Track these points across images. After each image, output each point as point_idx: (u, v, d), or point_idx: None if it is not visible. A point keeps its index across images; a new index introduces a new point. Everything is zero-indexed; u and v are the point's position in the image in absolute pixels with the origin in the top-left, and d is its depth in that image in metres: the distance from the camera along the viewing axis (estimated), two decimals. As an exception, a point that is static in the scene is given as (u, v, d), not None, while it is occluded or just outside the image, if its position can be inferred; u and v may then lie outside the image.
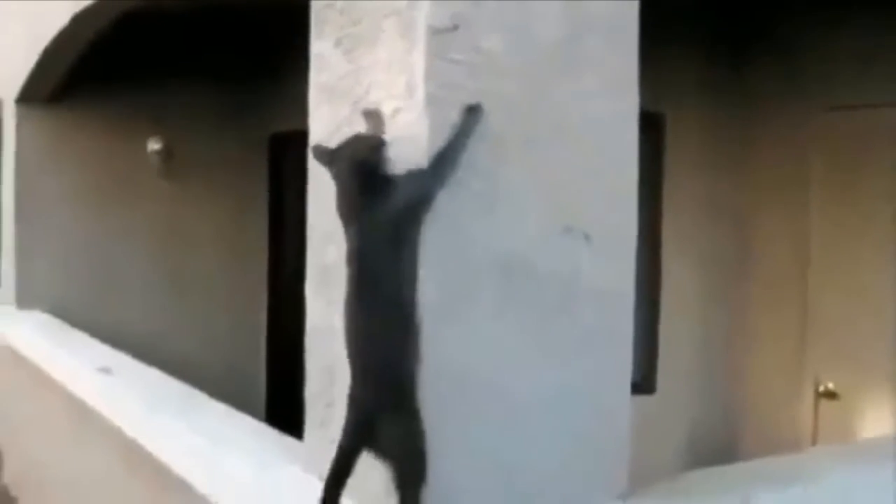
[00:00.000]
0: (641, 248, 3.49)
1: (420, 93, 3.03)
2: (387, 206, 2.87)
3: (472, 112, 3.03)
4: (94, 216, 7.80)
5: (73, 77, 7.27)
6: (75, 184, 7.70)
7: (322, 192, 3.50)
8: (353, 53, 3.33)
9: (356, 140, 3.05)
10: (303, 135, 3.62)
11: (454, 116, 3.06)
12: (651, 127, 5.42)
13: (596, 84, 3.34)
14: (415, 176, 2.94)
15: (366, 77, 3.28)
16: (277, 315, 8.38)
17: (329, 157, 3.07)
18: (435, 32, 3.11)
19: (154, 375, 5.53)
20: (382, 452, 2.90)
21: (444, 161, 2.96)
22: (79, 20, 6.09)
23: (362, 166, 2.93)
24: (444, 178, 2.96)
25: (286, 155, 7.83)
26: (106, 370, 5.54)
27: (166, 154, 7.81)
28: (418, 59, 3.06)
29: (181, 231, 8.09)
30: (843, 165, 5.97)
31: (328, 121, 3.47)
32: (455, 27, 3.12)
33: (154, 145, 7.77)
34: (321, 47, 3.50)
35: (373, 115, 3.11)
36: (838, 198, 6.01)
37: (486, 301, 3.14)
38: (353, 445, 2.93)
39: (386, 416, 2.85)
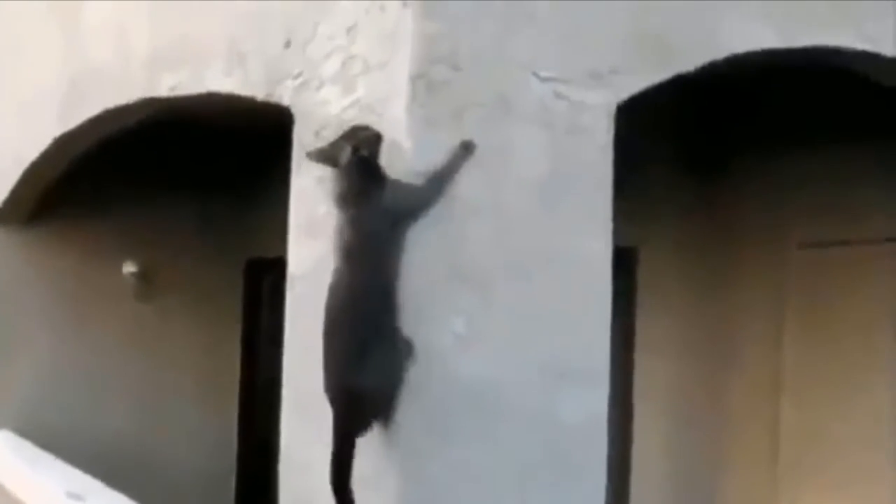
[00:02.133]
0: (614, 382, 3.54)
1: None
2: (381, 198, 3.09)
3: (466, 147, 3.18)
4: (69, 336, 7.77)
5: (51, 198, 7.31)
6: (51, 304, 7.69)
7: (299, 322, 3.56)
8: (334, 192, 3.39)
9: (356, 129, 3.21)
10: (279, 262, 3.68)
11: (431, 256, 3.15)
12: (624, 262, 5.49)
13: (571, 224, 3.42)
14: (409, 187, 3.11)
15: (346, 215, 3.35)
16: (249, 448, 8.33)
17: (328, 150, 3.24)
18: (415, 177, 3.19)
19: (125, 503, 5.48)
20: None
21: (437, 185, 3.13)
22: (61, 143, 6.15)
23: (363, 150, 3.14)
24: (433, 201, 3.14)
25: (262, 281, 7.88)
26: (77, 496, 5.48)
27: (142, 276, 7.82)
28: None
29: (156, 353, 8.05)
30: (817, 301, 6.04)
31: (308, 256, 3.53)
32: (431, 164, 3.20)
33: (130, 268, 7.79)
34: (302, 183, 3.58)
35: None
36: (813, 333, 6.06)
37: (465, 433, 3.18)
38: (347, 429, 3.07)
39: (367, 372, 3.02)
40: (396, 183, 3.14)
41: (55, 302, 7.82)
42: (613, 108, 3.48)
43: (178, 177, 7.62)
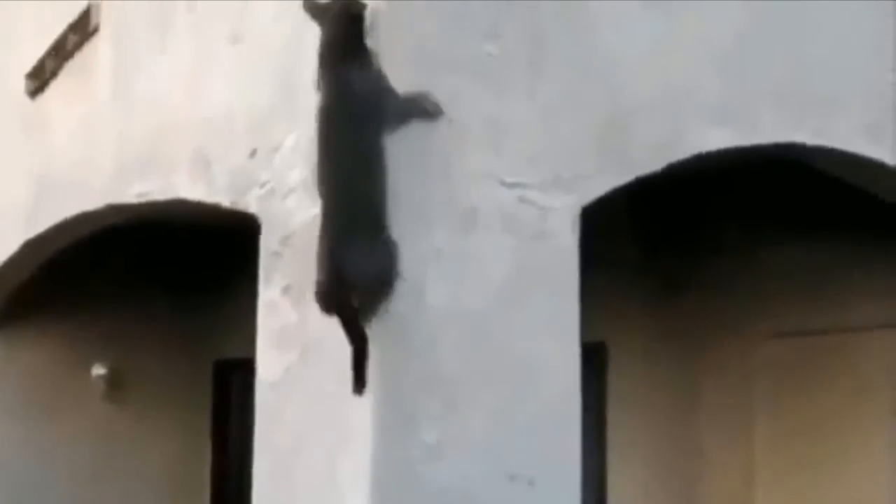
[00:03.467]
0: (585, 485, 3.53)
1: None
2: (364, 71, 3.20)
3: (436, 108, 3.29)
4: (37, 438, 7.68)
5: (18, 300, 7.28)
6: (19, 406, 7.61)
7: (268, 430, 3.54)
8: (302, 302, 3.39)
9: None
10: (247, 362, 3.67)
11: (400, 367, 3.16)
12: (593, 357, 5.51)
13: (538, 328, 3.43)
14: (388, 87, 3.22)
15: (313, 325, 3.35)
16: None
17: (319, 9, 3.33)
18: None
19: None
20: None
21: (406, 106, 3.25)
22: (29, 247, 6.14)
23: (347, 14, 3.24)
24: (402, 113, 3.24)
25: (231, 382, 7.83)
26: None
27: (111, 378, 7.77)
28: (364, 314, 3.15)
29: (125, 455, 7.96)
30: (788, 393, 6.05)
31: (276, 365, 3.53)
32: (401, 279, 3.22)
33: (99, 370, 7.73)
34: (270, 294, 3.58)
35: None
36: (784, 425, 6.06)
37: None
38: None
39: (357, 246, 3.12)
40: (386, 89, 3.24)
41: (23, 404, 7.74)
42: (578, 212, 3.51)
43: (146, 277, 7.60)
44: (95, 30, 5.15)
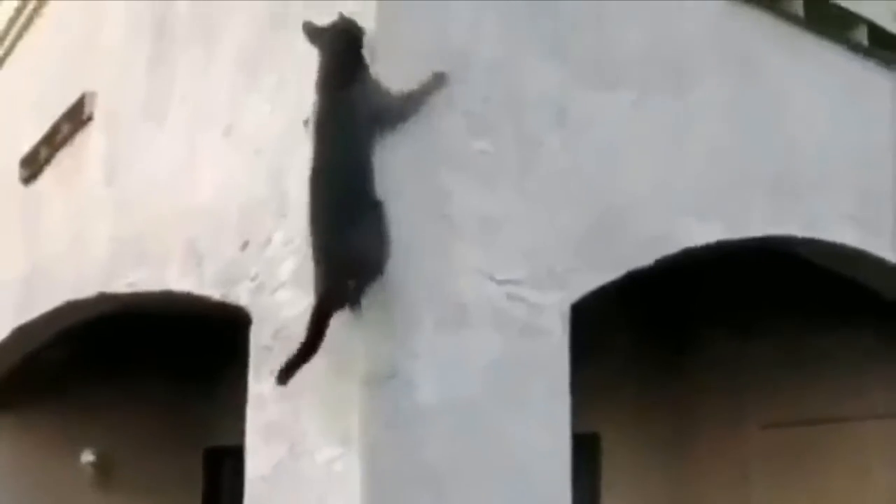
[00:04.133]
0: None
1: (356, 444, 3.08)
2: (360, 89, 3.24)
3: (438, 77, 3.33)
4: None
5: (7, 384, 7.24)
6: (8, 493, 7.55)
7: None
8: (292, 396, 3.37)
9: (342, 18, 3.32)
10: (238, 450, 3.64)
11: (390, 464, 3.12)
12: (587, 448, 5.48)
13: (528, 424, 3.42)
14: (386, 94, 3.26)
15: (303, 420, 3.33)
16: None
17: (317, 32, 3.37)
18: (371, 380, 3.19)
19: None
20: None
21: (408, 104, 3.30)
22: (18, 334, 6.12)
23: (346, 34, 3.29)
24: (407, 115, 3.29)
25: (221, 469, 7.78)
26: None
27: (100, 465, 7.71)
28: (355, 409, 3.12)
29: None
30: (783, 483, 6.01)
31: (266, 459, 3.49)
32: (392, 375, 3.20)
33: (88, 457, 7.68)
34: (259, 388, 3.56)
35: None
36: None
37: None
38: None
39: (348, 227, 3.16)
40: (377, 83, 3.28)
41: (11, 491, 7.68)
42: (568, 307, 3.51)
43: (137, 363, 7.57)
44: (89, 118, 5.18)
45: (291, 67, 3.62)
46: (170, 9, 4.52)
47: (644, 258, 3.69)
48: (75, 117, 5.30)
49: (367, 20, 3.32)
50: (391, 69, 3.31)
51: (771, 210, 4.17)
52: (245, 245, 3.77)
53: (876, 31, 4.66)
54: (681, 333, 6.01)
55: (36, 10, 6.16)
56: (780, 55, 4.36)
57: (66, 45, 5.65)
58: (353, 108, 3.26)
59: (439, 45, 3.45)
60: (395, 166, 3.30)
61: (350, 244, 3.21)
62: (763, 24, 4.30)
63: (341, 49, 3.32)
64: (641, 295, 5.34)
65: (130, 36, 4.88)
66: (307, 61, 3.40)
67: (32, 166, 5.84)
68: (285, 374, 3.25)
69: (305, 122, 3.40)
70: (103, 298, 4.93)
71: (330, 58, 3.34)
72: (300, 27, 3.47)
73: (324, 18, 3.35)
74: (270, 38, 3.80)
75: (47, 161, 5.68)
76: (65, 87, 5.49)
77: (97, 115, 5.11)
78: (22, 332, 6.01)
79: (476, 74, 3.46)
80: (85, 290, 5.05)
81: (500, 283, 3.39)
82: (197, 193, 4.12)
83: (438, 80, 3.35)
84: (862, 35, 4.61)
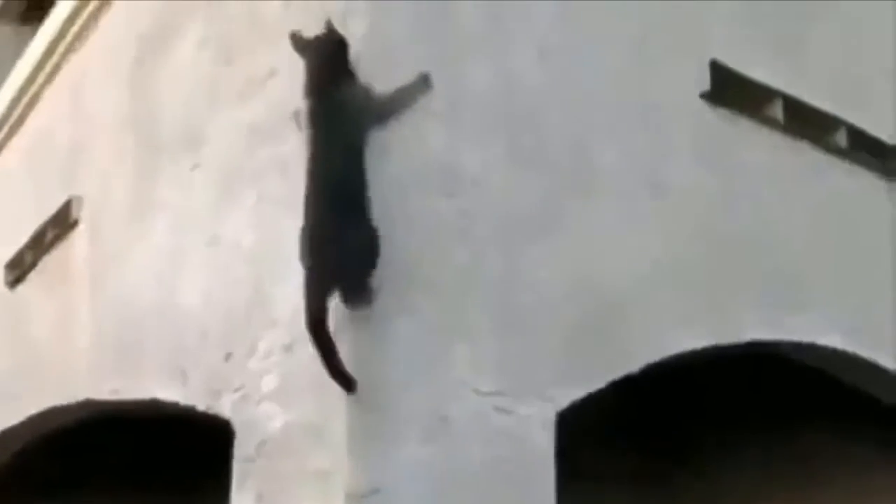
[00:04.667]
0: None
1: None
2: (348, 92, 3.34)
3: (424, 80, 3.41)
4: None
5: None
6: None
7: None
8: (274, 509, 3.35)
9: (328, 28, 3.43)
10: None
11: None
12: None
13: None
14: (373, 95, 3.37)
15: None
16: None
17: (304, 42, 3.47)
18: (355, 495, 3.17)
19: None
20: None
21: (395, 107, 3.39)
22: (6, 436, 6.05)
23: (331, 42, 3.40)
24: (389, 116, 3.38)
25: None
26: None
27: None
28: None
29: None
30: None
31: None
32: (376, 490, 3.18)
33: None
34: (242, 501, 3.53)
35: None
36: None
37: None
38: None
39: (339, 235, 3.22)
40: (363, 85, 3.39)
41: None
42: (553, 418, 3.50)
43: (114, 473, 7.47)
44: (75, 223, 5.18)
45: (275, 180, 3.64)
46: (155, 118, 4.56)
47: (628, 367, 3.69)
48: (61, 222, 5.31)
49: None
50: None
51: (759, 315, 4.17)
52: (228, 356, 3.76)
53: (855, 134, 4.69)
54: (670, 441, 5.96)
55: (23, 115, 6.21)
56: (762, 158, 4.39)
57: (54, 149, 5.68)
58: (340, 111, 3.35)
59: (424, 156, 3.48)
60: (382, 279, 3.31)
61: (332, 254, 3.25)
62: (742, 127, 4.34)
63: (327, 56, 3.42)
64: (630, 402, 5.32)
65: (116, 142, 4.91)
66: (291, 174, 3.43)
67: (17, 270, 5.83)
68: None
69: (295, 116, 3.49)
70: (86, 405, 4.90)
71: (316, 65, 3.43)
72: (283, 140, 3.51)
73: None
74: (254, 150, 3.81)
75: (32, 265, 5.67)
76: (51, 191, 5.51)
77: (83, 221, 5.12)
78: (5, 437, 5.96)
79: (457, 187, 3.48)
80: (69, 395, 5.02)
81: (484, 395, 3.38)
82: (181, 302, 4.11)
83: (423, 82, 3.42)
84: (841, 138, 4.65)
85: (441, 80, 3.44)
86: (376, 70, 3.45)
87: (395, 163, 3.40)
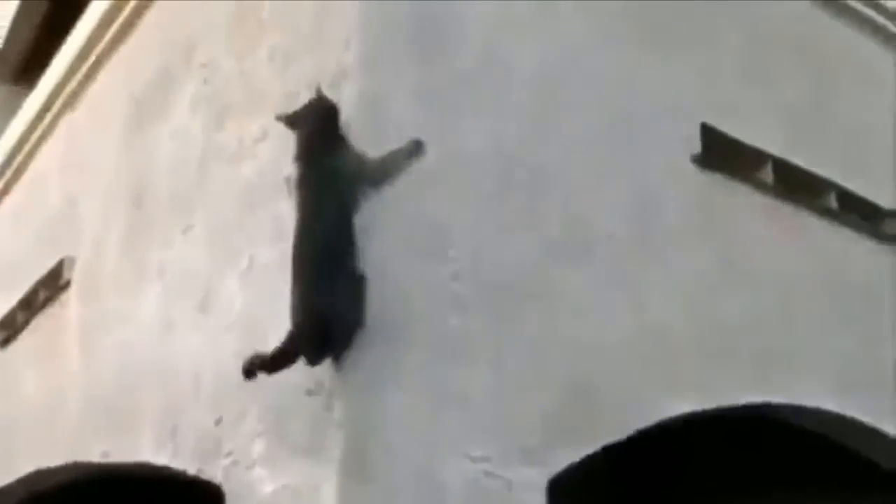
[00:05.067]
0: None
1: None
2: (339, 158, 3.34)
3: (416, 145, 3.37)
4: None
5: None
6: None
7: None
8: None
9: (318, 95, 3.45)
10: None
11: None
12: None
13: None
14: (364, 160, 3.35)
15: None
16: None
17: (294, 115, 3.48)
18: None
19: None
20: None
21: (388, 171, 3.37)
22: (-3, 496, 6.02)
23: (321, 110, 3.41)
24: (380, 181, 3.35)
25: None
26: None
27: None
28: None
29: None
30: None
31: None
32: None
33: None
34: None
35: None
36: None
37: None
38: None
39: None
40: (355, 150, 3.38)
41: None
42: (545, 483, 3.47)
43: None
44: (67, 284, 5.19)
45: (267, 244, 3.64)
46: (148, 179, 4.58)
47: (621, 432, 3.67)
48: (53, 282, 5.31)
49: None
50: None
51: (752, 379, 4.16)
52: (219, 421, 3.74)
53: (846, 197, 4.72)
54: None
55: (16, 173, 6.23)
56: (753, 221, 4.40)
57: (46, 208, 5.69)
58: (331, 177, 3.35)
59: (416, 219, 3.49)
60: (373, 342, 3.30)
61: (316, 309, 3.25)
62: (733, 190, 4.35)
63: (317, 123, 3.43)
64: (624, 466, 5.31)
65: (109, 203, 4.92)
66: (284, 238, 3.43)
67: (9, 330, 5.84)
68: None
69: (287, 182, 3.50)
70: (76, 467, 4.88)
71: (307, 132, 3.44)
72: (276, 203, 3.52)
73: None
74: (247, 213, 3.82)
75: (24, 325, 5.68)
76: (43, 250, 5.52)
77: (75, 281, 5.13)
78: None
79: (449, 251, 3.48)
80: (60, 457, 5.00)
81: (476, 460, 3.35)
82: (172, 365, 4.10)
83: (415, 147, 3.41)
84: (832, 201, 4.67)
85: (434, 144, 3.44)
86: (369, 133, 3.45)
87: (387, 226, 3.39)
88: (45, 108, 5.79)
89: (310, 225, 3.33)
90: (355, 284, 3.29)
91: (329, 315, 3.26)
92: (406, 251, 3.43)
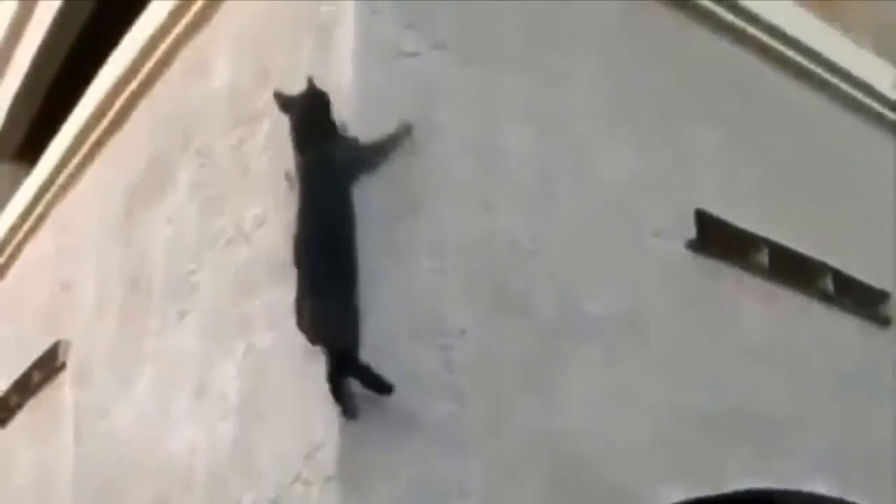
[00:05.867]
0: None
1: None
2: (334, 146, 3.45)
3: (405, 127, 3.53)
4: None
5: None
6: None
7: None
8: None
9: (310, 85, 3.54)
10: None
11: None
12: None
13: None
14: (357, 145, 3.47)
15: None
16: None
17: (288, 100, 3.60)
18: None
19: None
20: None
21: (377, 151, 3.50)
22: None
23: (314, 98, 3.52)
24: (371, 164, 3.48)
25: None
26: None
27: None
28: None
29: None
30: None
31: None
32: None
33: None
34: None
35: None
36: None
37: None
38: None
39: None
40: (349, 137, 3.49)
41: None
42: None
43: None
44: (61, 367, 5.16)
45: (263, 331, 3.63)
46: (144, 264, 4.57)
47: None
48: (47, 365, 5.29)
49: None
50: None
51: (745, 463, 4.14)
52: (213, 508, 3.71)
53: (842, 279, 4.73)
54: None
55: (12, 254, 6.23)
56: (748, 305, 4.40)
57: (42, 291, 5.68)
58: (327, 163, 3.45)
59: (412, 306, 3.47)
60: (364, 432, 3.28)
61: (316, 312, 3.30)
62: (727, 275, 4.36)
63: (309, 111, 3.54)
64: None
65: (104, 287, 4.91)
66: (280, 325, 3.42)
67: (3, 412, 5.79)
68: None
69: (287, 175, 3.59)
70: None
71: (301, 120, 3.55)
72: (272, 290, 3.52)
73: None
74: (243, 300, 3.81)
75: (18, 407, 5.64)
76: (39, 333, 5.50)
77: (69, 365, 5.10)
78: None
79: (444, 338, 3.47)
80: None
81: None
82: (166, 453, 4.06)
83: (404, 129, 3.55)
84: (828, 284, 4.68)
85: (429, 233, 3.46)
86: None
87: (381, 313, 3.38)
88: (42, 191, 5.80)
89: (309, 216, 3.41)
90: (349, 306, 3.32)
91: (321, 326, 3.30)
92: (402, 338, 3.42)
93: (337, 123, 3.52)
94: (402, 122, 3.53)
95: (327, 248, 3.33)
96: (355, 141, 3.50)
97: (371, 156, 3.50)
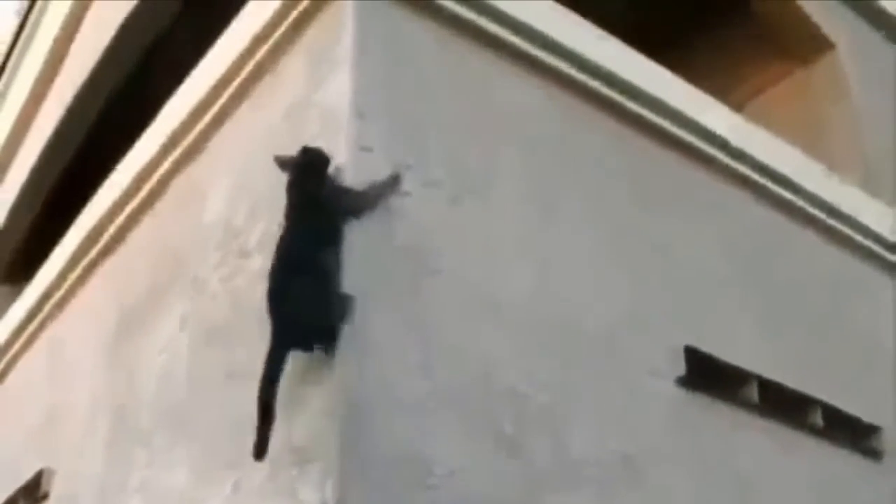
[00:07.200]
0: None
1: None
2: (333, 202, 3.56)
3: (395, 178, 3.68)
4: None
5: None
6: None
7: None
8: None
9: (305, 149, 3.65)
10: None
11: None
12: None
13: None
14: (353, 194, 3.60)
15: None
16: None
17: (286, 162, 3.68)
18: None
19: None
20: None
21: (369, 200, 3.63)
22: None
23: (311, 166, 3.61)
24: (364, 210, 3.60)
25: None
26: None
27: None
28: None
29: None
30: None
31: None
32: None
33: None
34: None
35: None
36: None
37: None
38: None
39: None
40: (347, 189, 3.61)
41: None
42: None
43: None
44: (45, 497, 5.10)
45: (253, 468, 3.57)
46: (133, 393, 4.55)
47: None
48: (31, 493, 5.22)
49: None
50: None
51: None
52: None
53: (831, 413, 4.72)
54: None
55: (3, 376, 6.20)
56: (738, 441, 4.38)
57: (29, 416, 5.64)
58: (316, 204, 3.57)
59: (399, 447, 3.45)
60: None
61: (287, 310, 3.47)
62: (718, 411, 4.35)
63: (307, 166, 3.63)
64: None
65: (92, 415, 4.88)
66: (271, 464, 3.39)
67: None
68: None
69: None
70: None
71: (296, 172, 3.64)
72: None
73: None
74: (233, 435, 3.76)
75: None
76: (24, 458, 5.44)
77: (53, 493, 5.04)
78: None
79: (430, 479, 3.44)
80: None
81: None
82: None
83: (394, 180, 3.68)
84: (818, 418, 4.67)
85: (417, 372, 3.45)
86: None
87: (367, 455, 3.35)
88: (31, 316, 5.79)
89: (287, 241, 3.55)
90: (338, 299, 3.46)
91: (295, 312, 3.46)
92: (390, 479, 3.39)
93: (331, 175, 3.65)
94: (392, 173, 3.69)
95: (305, 270, 3.48)
96: (346, 186, 3.64)
97: (360, 201, 3.62)
